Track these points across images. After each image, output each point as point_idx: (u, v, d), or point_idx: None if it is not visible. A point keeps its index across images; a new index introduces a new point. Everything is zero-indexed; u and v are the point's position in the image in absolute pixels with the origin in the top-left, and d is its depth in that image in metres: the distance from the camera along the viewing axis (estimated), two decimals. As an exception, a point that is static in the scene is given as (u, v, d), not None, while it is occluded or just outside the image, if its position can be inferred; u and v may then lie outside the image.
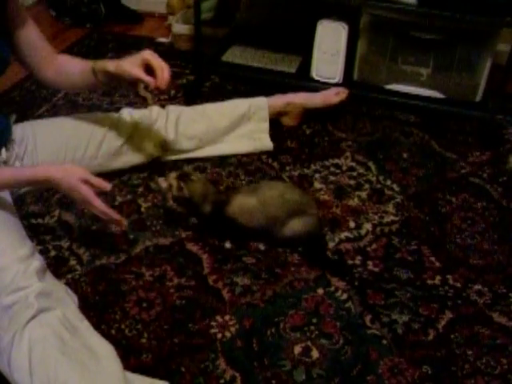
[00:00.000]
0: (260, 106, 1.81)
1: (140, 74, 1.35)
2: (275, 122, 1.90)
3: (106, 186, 1.28)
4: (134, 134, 1.64)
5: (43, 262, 1.17)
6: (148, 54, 1.37)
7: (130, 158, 1.66)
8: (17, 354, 1.01)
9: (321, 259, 1.43)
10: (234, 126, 1.78)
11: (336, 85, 1.98)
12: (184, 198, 1.41)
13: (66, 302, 1.13)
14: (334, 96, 1.90)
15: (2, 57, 1.35)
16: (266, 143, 1.83)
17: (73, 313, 1.12)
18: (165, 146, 1.70)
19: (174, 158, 1.75)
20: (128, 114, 1.66)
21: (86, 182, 1.25)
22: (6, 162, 1.44)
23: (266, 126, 1.83)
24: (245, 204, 1.42)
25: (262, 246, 1.44)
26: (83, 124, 1.59)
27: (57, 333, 1.03)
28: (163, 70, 1.36)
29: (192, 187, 1.41)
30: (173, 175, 1.42)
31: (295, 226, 1.41)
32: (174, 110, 1.73)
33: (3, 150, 1.43)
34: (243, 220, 1.42)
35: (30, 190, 1.54)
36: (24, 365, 1.00)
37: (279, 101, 1.87)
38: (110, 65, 1.39)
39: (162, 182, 1.43)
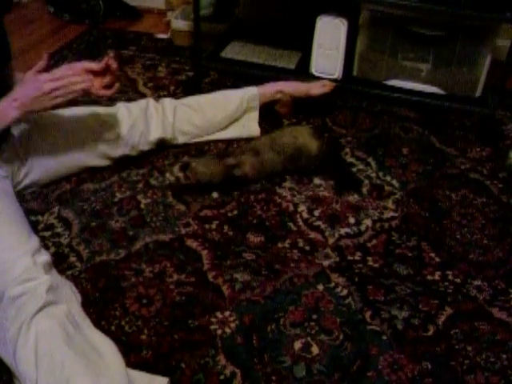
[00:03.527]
0: (252, 97, 1.84)
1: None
2: (273, 114, 1.92)
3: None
4: (134, 125, 1.66)
5: (49, 256, 1.18)
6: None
7: (123, 151, 1.68)
8: (23, 346, 1.00)
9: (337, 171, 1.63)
10: (228, 123, 1.83)
11: (335, 81, 1.98)
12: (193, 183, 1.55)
13: (71, 298, 1.14)
14: (318, 88, 1.92)
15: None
16: (254, 129, 1.86)
17: (76, 310, 1.12)
18: (161, 143, 1.74)
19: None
20: (125, 108, 1.68)
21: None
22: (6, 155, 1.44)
23: (256, 114, 1.86)
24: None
25: (261, 242, 1.45)
26: (80, 116, 1.61)
27: (63, 326, 1.03)
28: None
29: (197, 172, 1.53)
30: (176, 168, 1.57)
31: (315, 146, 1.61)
32: (169, 108, 1.73)
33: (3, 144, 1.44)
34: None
35: (30, 186, 1.54)
36: (30, 357, 0.99)
37: (270, 89, 1.90)
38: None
39: (170, 177, 1.58)
